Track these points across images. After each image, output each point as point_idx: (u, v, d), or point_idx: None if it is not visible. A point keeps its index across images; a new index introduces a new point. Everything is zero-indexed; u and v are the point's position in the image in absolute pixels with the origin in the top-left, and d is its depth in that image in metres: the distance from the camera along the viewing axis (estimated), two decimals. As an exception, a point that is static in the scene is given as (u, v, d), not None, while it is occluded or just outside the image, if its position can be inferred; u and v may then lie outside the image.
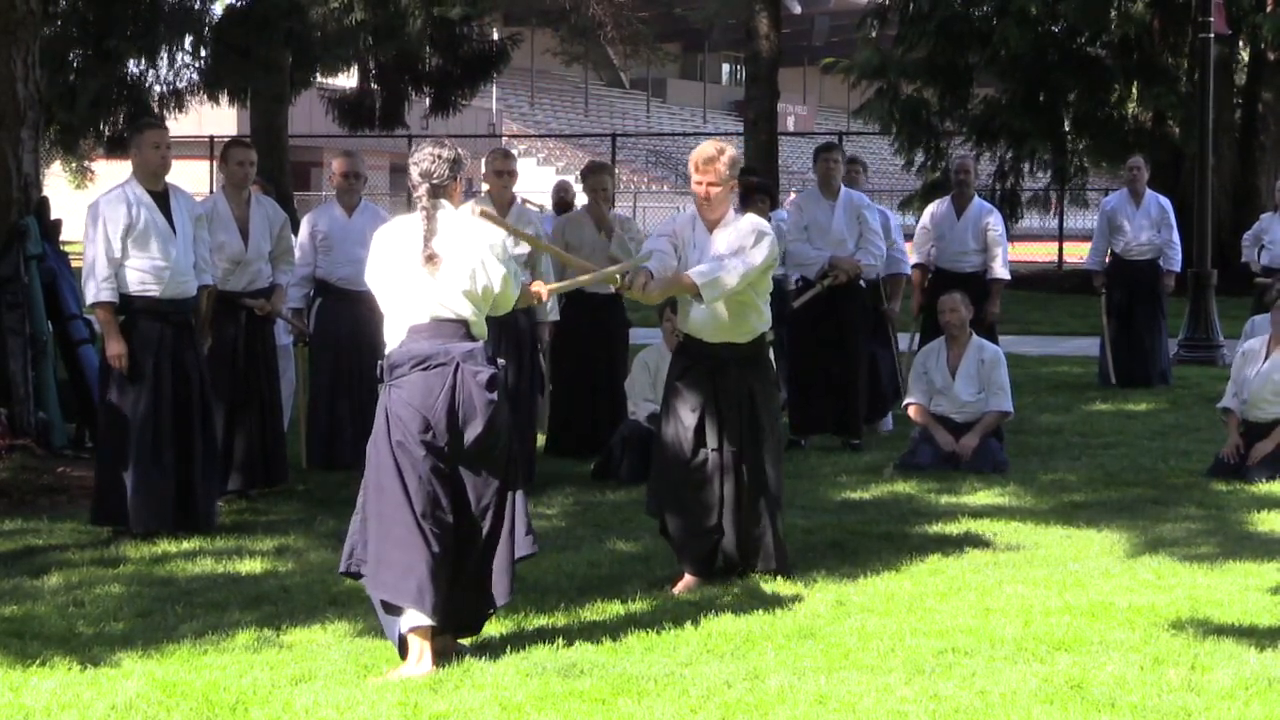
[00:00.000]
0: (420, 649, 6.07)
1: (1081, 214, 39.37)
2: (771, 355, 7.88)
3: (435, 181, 6.31)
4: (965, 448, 10.51)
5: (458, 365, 6.19)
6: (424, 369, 6.18)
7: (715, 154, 7.49)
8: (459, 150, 6.45)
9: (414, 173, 6.34)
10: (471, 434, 6.18)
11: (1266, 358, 10.34)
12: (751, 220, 7.64)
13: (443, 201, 6.33)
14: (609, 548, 8.26)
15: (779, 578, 7.51)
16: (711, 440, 7.56)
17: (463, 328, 6.26)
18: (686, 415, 7.57)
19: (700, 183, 7.52)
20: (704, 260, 7.41)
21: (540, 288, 6.89)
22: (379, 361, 6.38)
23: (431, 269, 6.21)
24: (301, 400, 10.89)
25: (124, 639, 6.52)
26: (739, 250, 7.40)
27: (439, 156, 6.32)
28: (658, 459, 7.72)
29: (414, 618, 6.07)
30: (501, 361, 6.48)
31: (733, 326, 7.55)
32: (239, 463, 9.66)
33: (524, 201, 10.81)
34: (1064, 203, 34.58)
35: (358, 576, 6.28)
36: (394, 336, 6.30)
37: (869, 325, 12.21)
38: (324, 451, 10.63)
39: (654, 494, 7.77)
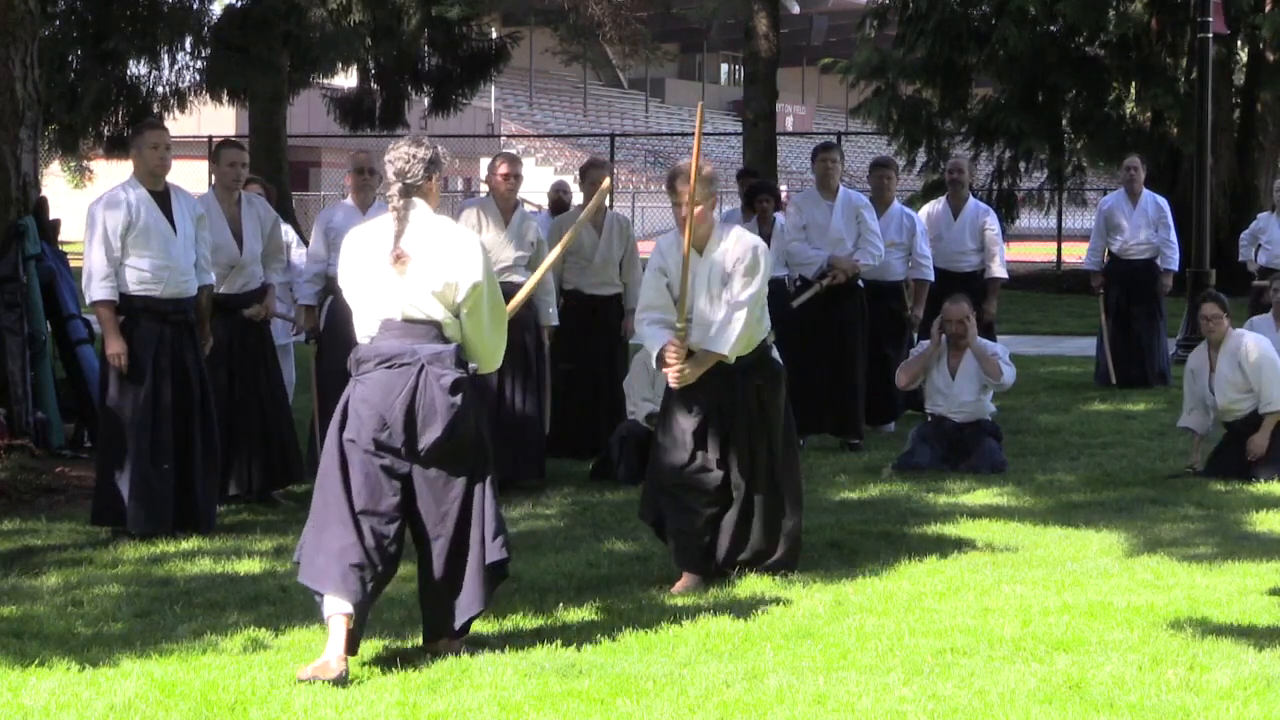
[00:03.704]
0: (336, 630, 5.97)
1: (1080, 214, 39.36)
2: (776, 354, 7.87)
3: (409, 181, 6.21)
4: (959, 311, 10.59)
5: (422, 367, 6.10)
6: (388, 367, 6.11)
7: (691, 175, 7.44)
8: (438, 150, 6.34)
9: (389, 171, 6.25)
10: (429, 438, 6.08)
11: (1212, 367, 10.36)
12: (742, 241, 7.57)
13: (416, 201, 6.23)
14: (607, 548, 8.26)
15: (777, 576, 7.50)
16: (715, 445, 7.54)
17: (434, 329, 6.17)
18: (687, 419, 7.54)
19: (679, 205, 7.49)
20: (698, 291, 7.46)
21: None
22: (350, 353, 6.31)
23: (400, 268, 6.13)
24: (315, 399, 10.87)
25: (122, 639, 6.51)
26: (739, 284, 7.43)
27: (414, 156, 6.23)
28: (654, 462, 7.70)
29: (333, 603, 6.01)
30: (473, 365, 6.29)
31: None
32: (244, 466, 9.61)
33: (524, 203, 10.82)
34: (1062, 202, 34.57)
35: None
36: (364, 333, 6.24)
37: (889, 329, 12.23)
38: None
39: (649, 497, 7.76)
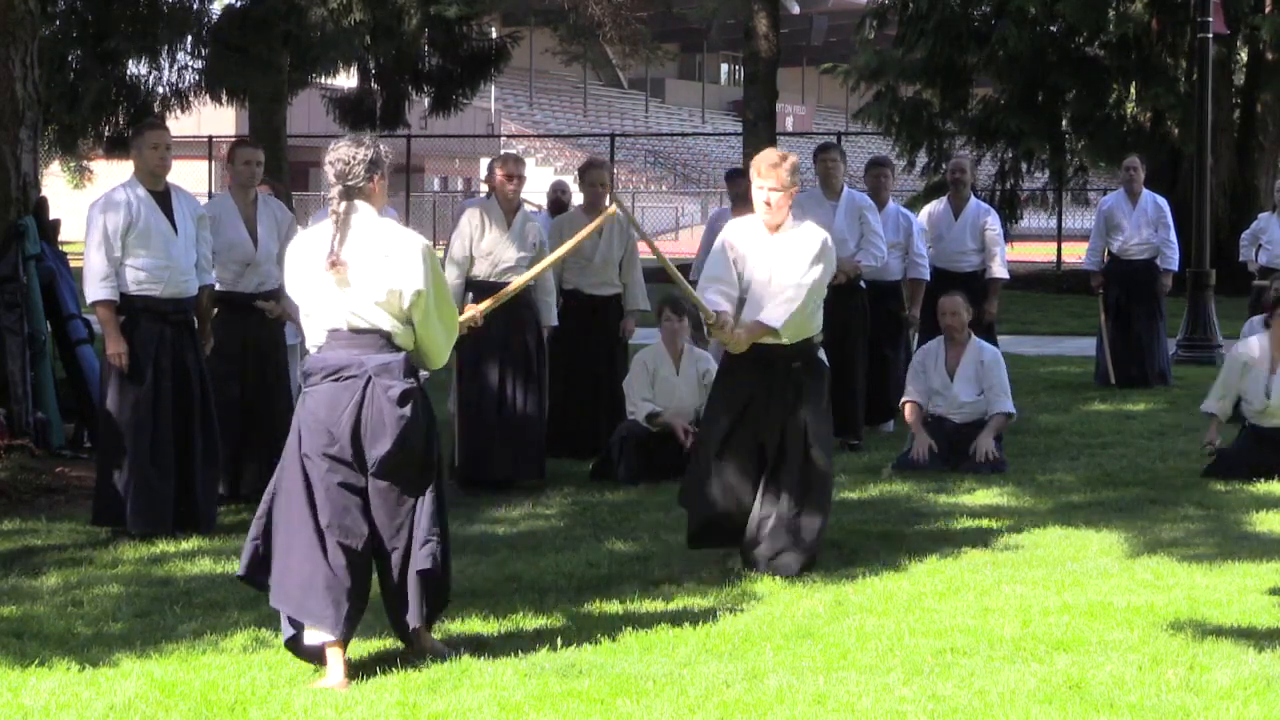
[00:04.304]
0: (332, 660, 5.93)
1: (1081, 213, 39.38)
2: (822, 355, 8.03)
3: (350, 183, 5.98)
4: (981, 449, 10.46)
5: (369, 379, 5.93)
6: (334, 380, 5.95)
7: (778, 160, 7.77)
8: (380, 149, 6.09)
9: (329, 173, 6.02)
10: (378, 451, 5.94)
11: (1274, 368, 10.25)
12: (812, 232, 7.88)
13: (359, 205, 6.02)
14: (607, 548, 8.26)
15: (778, 577, 7.50)
16: (753, 430, 7.70)
17: (382, 338, 5.98)
18: (732, 398, 7.76)
19: (762, 188, 7.76)
20: (760, 269, 7.72)
21: (475, 310, 6.71)
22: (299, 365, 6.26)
23: (337, 276, 5.93)
24: None
25: (122, 639, 6.52)
26: (802, 269, 7.70)
27: (354, 157, 5.98)
28: (698, 438, 7.99)
29: (316, 634, 5.94)
30: (425, 374, 6.16)
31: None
32: (252, 467, 9.58)
33: (525, 203, 10.81)
34: (1063, 202, 34.58)
35: (256, 584, 6.14)
36: (312, 343, 6.10)
37: (889, 329, 12.22)
38: None
39: (689, 478, 7.97)
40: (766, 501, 7.67)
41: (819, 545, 7.78)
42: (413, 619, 6.09)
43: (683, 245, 39.61)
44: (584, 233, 7.90)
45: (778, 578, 7.50)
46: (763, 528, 7.65)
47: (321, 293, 6.02)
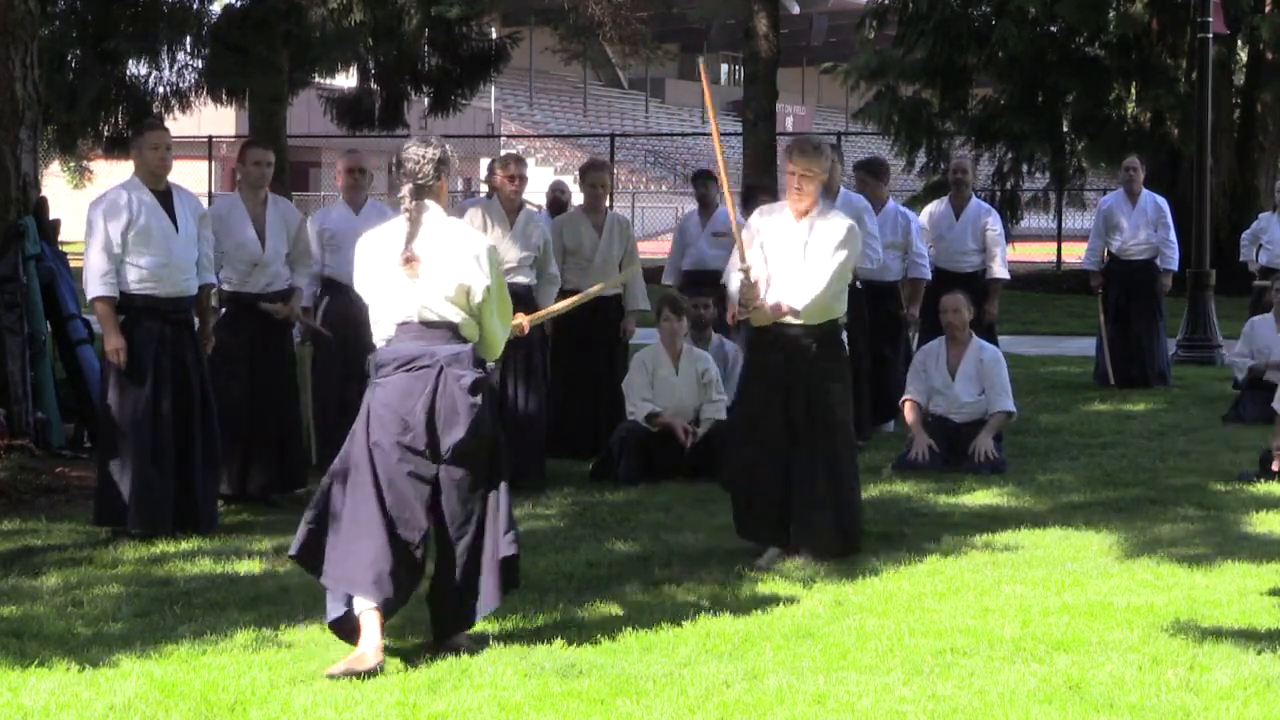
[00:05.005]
0: (370, 626, 6.04)
1: (1080, 214, 39.37)
2: (845, 338, 8.26)
3: (420, 182, 6.22)
4: (980, 448, 10.46)
5: (441, 369, 6.13)
6: (407, 370, 6.15)
7: (810, 148, 7.96)
8: (446, 149, 6.33)
9: (399, 172, 6.26)
10: (451, 439, 6.13)
11: None
12: (837, 219, 8.08)
13: (429, 204, 6.25)
14: (607, 548, 8.26)
15: (778, 576, 7.51)
16: (779, 413, 7.90)
17: (450, 330, 6.21)
18: (757, 393, 7.98)
19: (794, 172, 7.94)
20: (786, 253, 7.92)
21: (522, 319, 6.85)
22: (368, 357, 6.37)
23: (410, 271, 6.16)
24: (306, 399, 10.88)
25: (122, 639, 6.51)
26: (825, 254, 7.89)
27: (424, 156, 6.22)
28: (730, 421, 8.32)
29: (363, 602, 6.08)
30: (491, 365, 6.39)
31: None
32: (259, 468, 9.58)
33: (527, 203, 10.81)
34: (1063, 203, 34.59)
35: (307, 566, 6.27)
36: (381, 335, 6.28)
37: (888, 329, 12.22)
38: (333, 451, 10.59)
39: (728, 460, 8.26)
40: (798, 482, 7.88)
41: (859, 520, 8.10)
42: (491, 603, 6.27)
43: (683, 245, 39.51)
44: (596, 290, 8.37)
45: (778, 577, 7.52)
46: (799, 510, 7.87)
47: (393, 286, 6.22)
